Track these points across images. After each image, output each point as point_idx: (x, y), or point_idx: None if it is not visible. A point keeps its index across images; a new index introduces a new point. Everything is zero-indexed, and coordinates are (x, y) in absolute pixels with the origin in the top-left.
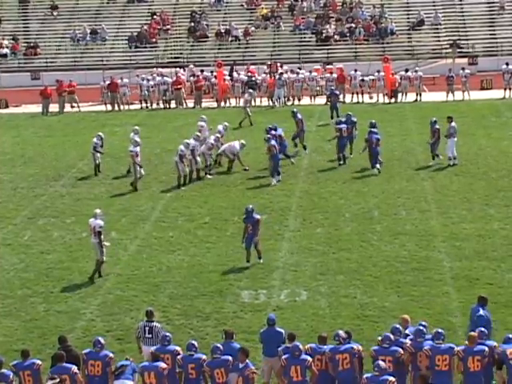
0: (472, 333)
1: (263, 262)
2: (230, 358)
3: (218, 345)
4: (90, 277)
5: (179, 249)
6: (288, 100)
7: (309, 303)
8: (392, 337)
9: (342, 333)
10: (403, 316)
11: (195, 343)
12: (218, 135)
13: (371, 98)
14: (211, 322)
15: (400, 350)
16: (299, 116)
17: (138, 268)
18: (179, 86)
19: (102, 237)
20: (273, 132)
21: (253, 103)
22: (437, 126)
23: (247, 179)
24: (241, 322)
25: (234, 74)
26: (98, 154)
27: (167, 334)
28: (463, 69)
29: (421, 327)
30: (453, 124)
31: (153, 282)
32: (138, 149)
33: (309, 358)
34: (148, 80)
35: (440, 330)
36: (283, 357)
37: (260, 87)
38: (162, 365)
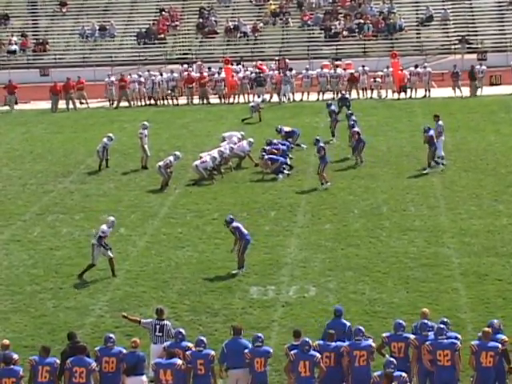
0: (486, 328)
1: (272, 257)
2: (271, 349)
3: (260, 334)
4: (113, 274)
5: (188, 245)
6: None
7: (317, 299)
8: (404, 324)
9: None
10: (423, 310)
11: (204, 339)
12: (233, 145)
13: (380, 96)
14: (220, 317)
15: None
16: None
17: (147, 264)
18: (191, 85)
19: (104, 243)
20: (267, 148)
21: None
22: (430, 133)
23: (256, 175)
24: (249, 318)
25: (242, 70)
26: (105, 152)
27: (181, 330)
28: (480, 65)
29: (425, 321)
30: (440, 123)
31: (162, 278)
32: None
33: (318, 355)
34: (151, 76)
35: (442, 326)
36: (292, 352)
37: (267, 83)
38: (179, 361)
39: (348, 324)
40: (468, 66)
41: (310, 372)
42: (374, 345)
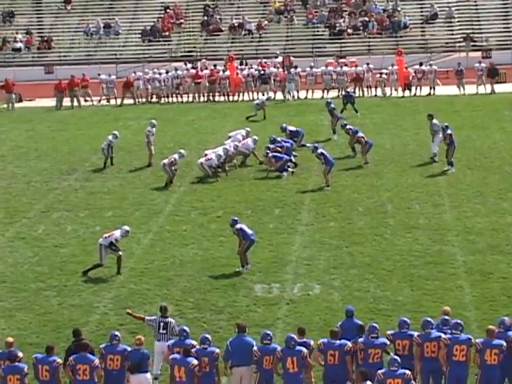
0: (491, 326)
1: (276, 255)
2: (279, 347)
3: (269, 332)
4: (118, 271)
5: (192, 242)
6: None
7: (322, 297)
8: (409, 322)
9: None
10: (444, 308)
11: (209, 337)
12: (238, 143)
13: (384, 94)
14: (224, 315)
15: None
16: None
17: (152, 262)
18: (199, 81)
19: (114, 247)
20: (272, 146)
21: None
22: (448, 132)
23: (260, 173)
24: (254, 316)
25: (246, 68)
26: (110, 149)
27: (185, 327)
28: (480, 62)
29: (428, 318)
30: (434, 121)
31: (166, 276)
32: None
33: (304, 350)
34: (160, 74)
35: (459, 321)
36: (278, 349)
37: (273, 81)
38: (194, 361)
39: (362, 324)
40: (472, 63)
41: (297, 368)
42: (388, 342)
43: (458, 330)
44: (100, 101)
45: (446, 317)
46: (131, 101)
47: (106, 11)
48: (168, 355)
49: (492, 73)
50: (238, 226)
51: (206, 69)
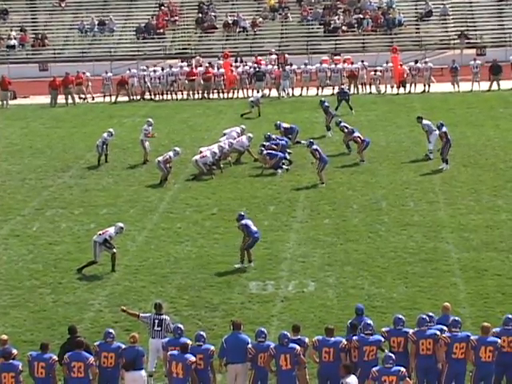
0: (485, 323)
1: (271, 252)
2: (272, 344)
3: (263, 329)
4: (112, 269)
5: (187, 240)
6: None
7: (317, 294)
8: (404, 319)
9: None
10: (444, 304)
11: (203, 334)
12: (232, 141)
13: (379, 91)
14: (219, 312)
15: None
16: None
17: (146, 259)
18: (193, 78)
19: (108, 244)
20: (267, 143)
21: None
22: (444, 130)
23: (255, 170)
24: (249, 313)
25: (241, 65)
26: (105, 147)
27: (179, 325)
28: (475, 59)
29: (424, 316)
30: (424, 122)
31: (161, 273)
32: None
33: (297, 347)
34: (155, 71)
35: (457, 318)
36: (271, 346)
37: (267, 78)
38: (192, 358)
39: (355, 322)
40: (466, 61)
41: (290, 365)
42: (383, 339)
43: (457, 328)
44: (93, 98)
45: (430, 313)
46: (126, 98)
47: (100, 8)
48: (164, 355)
49: (495, 70)
50: (244, 221)
51: (201, 66)
